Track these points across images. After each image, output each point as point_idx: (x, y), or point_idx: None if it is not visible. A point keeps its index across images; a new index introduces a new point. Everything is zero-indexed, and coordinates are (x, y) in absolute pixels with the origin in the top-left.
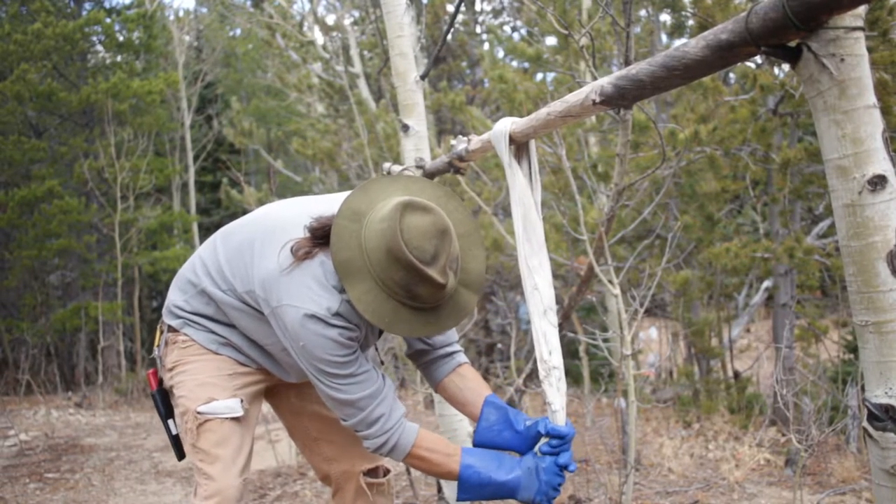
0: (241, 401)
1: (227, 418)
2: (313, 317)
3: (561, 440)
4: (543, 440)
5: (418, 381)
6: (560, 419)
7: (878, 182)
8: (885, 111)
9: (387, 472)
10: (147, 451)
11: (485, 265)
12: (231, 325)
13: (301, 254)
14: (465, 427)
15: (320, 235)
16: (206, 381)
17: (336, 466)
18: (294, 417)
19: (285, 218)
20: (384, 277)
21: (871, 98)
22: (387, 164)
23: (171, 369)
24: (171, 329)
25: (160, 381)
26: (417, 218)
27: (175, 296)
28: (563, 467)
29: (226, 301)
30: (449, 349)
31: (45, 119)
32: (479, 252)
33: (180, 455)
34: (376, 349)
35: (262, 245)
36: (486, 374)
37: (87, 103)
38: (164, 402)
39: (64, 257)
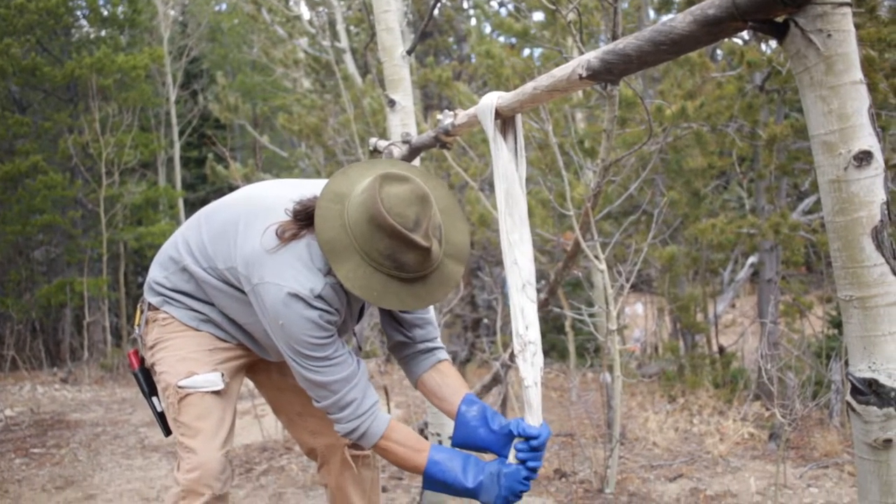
0: (222, 375)
1: (207, 392)
2: (296, 296)
3: (534, 440)
4: (518, 440)
5: None
6: (533, 395)
7: (864, 157)
8: (872, 87)
9: None
10: (133, 427)
11: (468, 238)
12: (211, 303)
13: (288, 235)
14: None
15: (303, 217)
16: (186, 357)
17: (321, 440)
18: (277, 392)
19: (269, 199)
20: (368, 249)
21: (858, 74)
22: (373, 140)
23: (151, 347)
24: (152, 307)
25: (141, 360)
26: (396, 187)
27: (156, 272)
28: (533, 470)
29: (206, 279)
30: (430, 344)
31: (29, 94)
32: (462, 225)
33: (167, 431)
34: (354, 335)
35: (245, 225)
36: (472, 349)
37: (71, 78)
38: (147, 380)
39: (49, 233)
